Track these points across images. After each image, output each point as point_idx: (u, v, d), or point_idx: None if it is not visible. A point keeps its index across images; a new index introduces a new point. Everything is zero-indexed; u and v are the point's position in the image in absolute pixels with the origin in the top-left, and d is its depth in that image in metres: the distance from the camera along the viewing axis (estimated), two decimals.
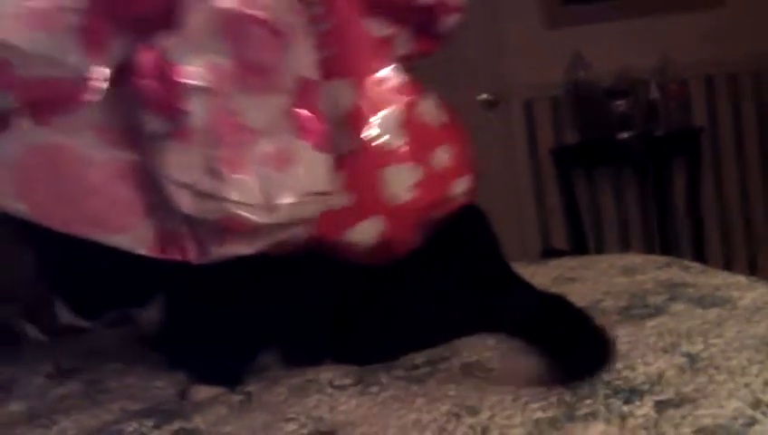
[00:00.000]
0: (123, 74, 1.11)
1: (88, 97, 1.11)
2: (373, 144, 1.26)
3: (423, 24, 1.36)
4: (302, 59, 1.20)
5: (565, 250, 4.09)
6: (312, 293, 1.33)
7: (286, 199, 1.15)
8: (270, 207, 1.14)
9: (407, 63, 1.35)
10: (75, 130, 1.10)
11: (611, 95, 4.13)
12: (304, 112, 1.20)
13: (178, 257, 1.17)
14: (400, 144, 1.27)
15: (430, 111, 1.33)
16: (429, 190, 1.29)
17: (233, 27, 1.11)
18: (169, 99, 1.09)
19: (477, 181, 1.38)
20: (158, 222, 1.15)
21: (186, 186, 1.11)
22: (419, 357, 1.30)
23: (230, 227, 1.14)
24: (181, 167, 1.10)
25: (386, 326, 1.33)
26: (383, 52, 1.31)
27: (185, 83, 1.09)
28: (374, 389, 1.21)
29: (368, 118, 1.27)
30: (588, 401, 1.04)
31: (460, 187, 1.34)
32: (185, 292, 1.32)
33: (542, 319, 1.26)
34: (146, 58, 1.09)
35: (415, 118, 1.30)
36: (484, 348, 1.27)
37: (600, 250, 4.20)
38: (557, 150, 4.29)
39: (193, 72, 1.09)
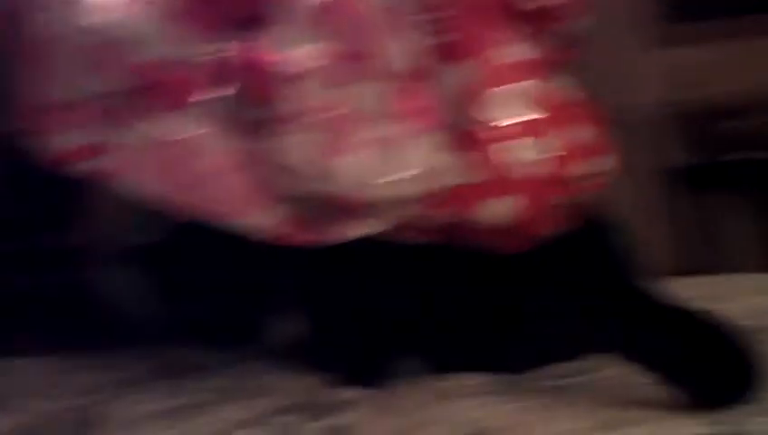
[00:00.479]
0: (233, 67, 1.17)
1: (202, 85, 1.16)
2: (503, 120, 1.26)
3: (549, 31, 1.35)
4: (404, 45, 1.22)
5: None
6: (452, 300, 1.35)
7: (389, 178, 1.18)
8: (372, 185, 1.17)
9: None
10: (196, 121, 1.16)
11: (716, 117, 4.06)
12: (409, 97, 1.21)
13: (299, 242, 1.20)
14: (531, 119, 1.27)
15: (562, 88, 1.32)
16: (563, 166, 1.28)
17: (329, 17, 1.15)
18: (270, 87, 1.14)
19: (616, 163, 1.36)
20: (277, 208, 1.19)
21: (292, 169, 1.16)
22: (563, 368, 1.30)
23: (336, 207, 1.18)
24: (287, 151, 1.15)
25: (529, 336, 1.33)
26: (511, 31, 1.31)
27: (283, 72, 1.13)
28: (518, 397, 1.21)
29: (493, 94, 1.26)
30: (741, 421, 1.03)
31: (595, 166, 1.32)
32: (324, 297, 1.36)
33: (688, 334, 1.25)
34: (248, 49, 1.14)
35: (544, 94, 1.29)
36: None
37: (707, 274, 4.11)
38: (660, 173, 4.23)
39: (291, 61, 1.14)
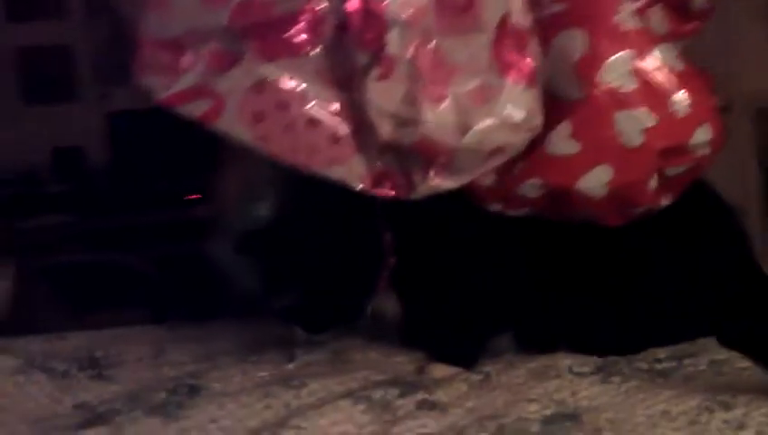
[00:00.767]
0: (341, 21, 1.19)
1: (306, 31, 1.18)
2: (603, 89, 1.25)
3: (675, 2, 1.32)
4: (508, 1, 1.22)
5: None
6: (546, 279, 1.34)
7: (479, 125, 1.19)
8: (463, 129, 1.18)
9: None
10: (299, 69, 1.19)
11: None
12: (509, 50, 1.21)
13: (390, 193, 1.22)
14: (632, 89, 1.25)
15: (667, 57, 1.28)
16: (664, 136, 1.25)
17: None
18: (372, 32, 1.16)
19: (723, 134, 1.31)
20: (369, 158, 1.21)
21: (387, 114, 1.18)
22: (662, 352, 1.28)
23: (425, 152, 1.19)
24: (384, 97, 1.18)
25: (626, 318, 1.31)
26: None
27: (384, 17, 1.16)
28: (616, 378, 1.20)
29: (598, 64, 1.25)
30: None
31: (700, 136, 1.28)
32: (422, 276, 1.36)
33: None
34: None
35: (649, 64, 1.26)
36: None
37: None
38: None
39: (392, 7, 1.16)
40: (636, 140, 1.25)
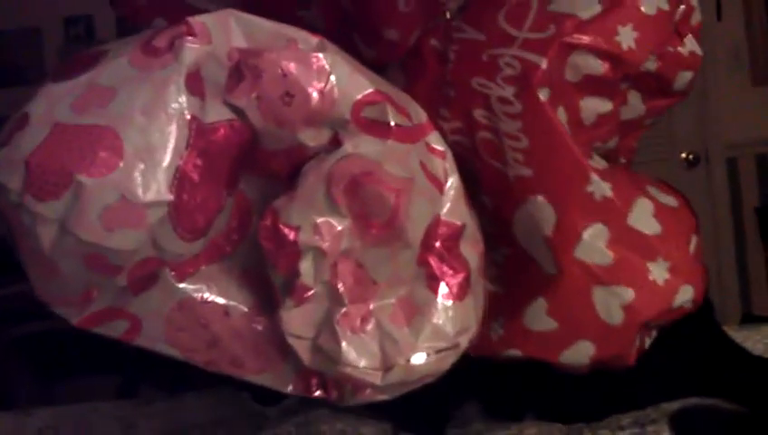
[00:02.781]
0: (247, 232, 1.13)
1: (225, 232, 1.12)
2: (579, 265, 1.19)
3: (653, 88, 1.28)
4: (433, 205, 1.15)
5: None
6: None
7: (404, 360, 1.11)
8: (386, 367, 1.11)
9: (639, 124, 1.31)
10: (216, 280, 1.12)
11: None
12: (437, 260, 1.15)
13: (323, 397, 1.16)
14: (608, 264, 1.19)
15: (643, 219, 1.23)
16: (645, 308, 1.20)
17: (346, 187, 1.08)
18: (284, 257, 1.08)
19: (708, 281, 1.26)
20: (296, 366, 1.13)
21: (305, 340, 1.10)
22: (625, 418, 1.28)
23: (349, 383, 1.13)
24: (299, 322, 1.10)
25: (589, 384, 1.32)
26: (593, 148, 1.22)
27: (296, 245, 1.08)
28: None
29: (572, 240, 1.19)
30: None
31: (683, 297, 1.23)
32: None
33: (758, 385, 1.22)
34: (264, 219, 1.09)
35: (624, 232, 1.21)
36: None
37: None
38: (763, 210, 4.11)
39: (303, 234, 1.07)
40: (617, 316, 1.20)
